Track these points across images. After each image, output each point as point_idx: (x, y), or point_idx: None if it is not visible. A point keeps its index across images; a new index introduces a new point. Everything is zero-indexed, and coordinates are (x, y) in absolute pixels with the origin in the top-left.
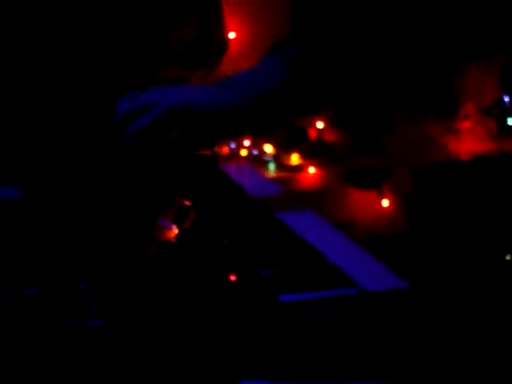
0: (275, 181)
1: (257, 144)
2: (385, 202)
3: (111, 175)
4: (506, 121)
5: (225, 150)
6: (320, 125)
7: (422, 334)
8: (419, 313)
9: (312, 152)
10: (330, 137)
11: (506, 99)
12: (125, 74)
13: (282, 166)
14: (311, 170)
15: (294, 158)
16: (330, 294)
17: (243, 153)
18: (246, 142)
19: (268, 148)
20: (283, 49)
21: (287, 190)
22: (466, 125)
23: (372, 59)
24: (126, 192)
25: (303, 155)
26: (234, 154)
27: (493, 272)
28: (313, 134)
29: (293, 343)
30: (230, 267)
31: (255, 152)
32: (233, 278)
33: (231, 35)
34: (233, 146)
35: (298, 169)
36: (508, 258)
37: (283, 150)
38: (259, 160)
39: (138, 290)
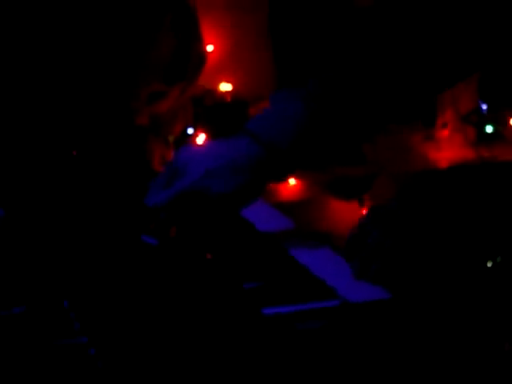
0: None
1: None
2: (366, 212)
3: (93, 192)
4: (484, 128)
5: None
6: None
7: (405, 344)
8: (401, 323)
9: None
10: None
11: (484, 107)
12: (104, 91)
13: None
14: (291, 181)
15: None
16: (313, 306)
17: None
18: None
19: None
20: (296, 84)
21: (299, 225)
22: (444, 133)
23: (376, 90)
24: (109, 211)
25: None
26: None
27: (474, 279)
28: None
29: (277, 355)
30: (212, 281)
31: None
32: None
33: (209, 48)
34: None
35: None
36: (489, 264)
37: None
38: None
39: (122, 305)
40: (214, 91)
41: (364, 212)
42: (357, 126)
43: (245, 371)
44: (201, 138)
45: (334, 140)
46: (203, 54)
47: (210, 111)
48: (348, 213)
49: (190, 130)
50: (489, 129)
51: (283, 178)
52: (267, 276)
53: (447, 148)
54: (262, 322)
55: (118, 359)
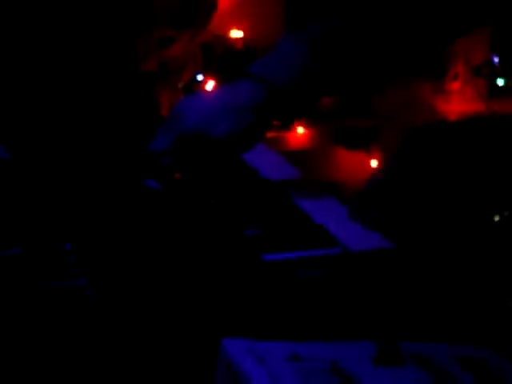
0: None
1: None
2: (373, 163)
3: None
4: (495, 81)
5: None
6: None
7: (406, 295)
8: (403, 273)
9: None
10: None
11: (496, 59)
12: (112, 35)
13: None
14: (300, 129)
15: None
16: (314, 253)
17: None
18: None
19: None
20: (303, 28)
21: (305, 174)
22: (455, 85)
23: (386, 33)
24: (114, 156)
25: None
26: None
27: (481, 232)
28: None
29: (277, 302)
30: (214, 226)
31: None
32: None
33: None
34: None
35: (287, 128)
36: (496, 218)
37: None
38: None
39: (123, 249)
40: (224, 38)
41: (371, 162)
42: (360, 70)
43: (244, 317)
44: (210, 85)
45: (335, 82)
46: None
47: (221, 58)
48: (355, 163)
49: (200, 77)
50: (500, 82)
51: (285, 120)
52: (269, 223)
53: (457, 101)
54: (262, 267)
55: (116, 302)
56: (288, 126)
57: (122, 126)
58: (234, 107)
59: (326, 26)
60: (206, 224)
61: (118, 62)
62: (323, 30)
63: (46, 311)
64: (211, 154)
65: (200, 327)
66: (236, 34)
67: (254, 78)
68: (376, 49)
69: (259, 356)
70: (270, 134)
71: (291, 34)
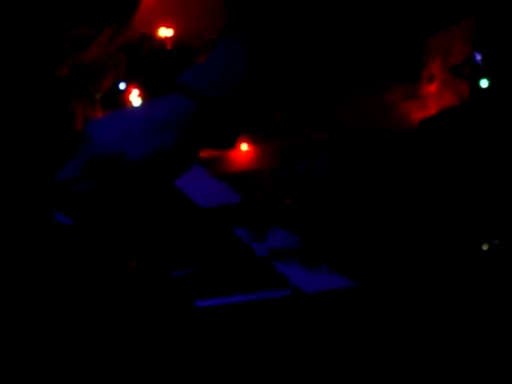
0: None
1: None
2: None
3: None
4: (478, 82)
5: None
6: None
7: (365, 341)
8: (363, 316)
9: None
10: None
11: (479, 57)
12: (14, 35)
13: None
14: (244, 146)
15: None
16: (257, 296)
17: None
18: None
19: None
20: (242, 30)
21: (250, 200)
22: (430, 88)
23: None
24: (15, 186)
25: None
26: None
27: (469, 264)
28: None
29: (212, 356)
30: (137, 267)
31: None
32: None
33: None
34: None
35: (228, 146)
36: (485, 248)
37: None
38: None
39: (25, 298)
40: (151, 37)
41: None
42: (306, 73)
43: (175, 374)
44: (134, 95)
45: (278, 90)
46: None
47: (147, 61)
48: None
49: (122, 85)
50: (484, 83)
51: (221, 138)
52: (204, 261)
53: (434, 106)
54: (194, 316)
55: (14, 360)
56: (227, 145)
57: (24, 147)
58: (157, 124)
59: (268, 25)
60: (124, 265)
61: (22, 68)
62: (264, 29)
63: None
64: (128, 181)
65: None
66: (165, 32)
67: (182, 89)
68: (325, 49)
69: None
70: (207, 154)
71: (228, 38)
